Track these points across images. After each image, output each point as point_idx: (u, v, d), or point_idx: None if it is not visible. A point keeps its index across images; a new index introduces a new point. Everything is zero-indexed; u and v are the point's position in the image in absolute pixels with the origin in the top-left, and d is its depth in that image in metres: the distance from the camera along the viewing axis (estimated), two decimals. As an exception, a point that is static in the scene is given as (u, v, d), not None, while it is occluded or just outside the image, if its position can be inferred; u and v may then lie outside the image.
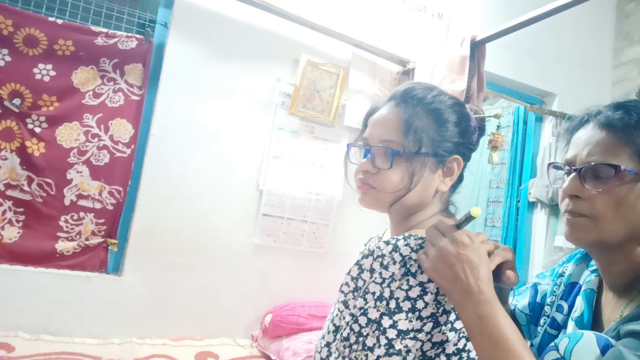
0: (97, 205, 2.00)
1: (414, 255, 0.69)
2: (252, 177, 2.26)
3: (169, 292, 2.08)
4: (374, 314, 0.67)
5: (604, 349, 0.65)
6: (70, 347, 1.77)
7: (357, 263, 0.73)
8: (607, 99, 3.22)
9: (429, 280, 0.67)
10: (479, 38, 1.96)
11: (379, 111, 0.86)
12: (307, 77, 2.31)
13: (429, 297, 0.67)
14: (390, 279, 0.68)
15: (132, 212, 2.05)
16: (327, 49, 2.40)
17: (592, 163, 0.73)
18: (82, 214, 1.98)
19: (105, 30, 1.99)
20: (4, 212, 1.87)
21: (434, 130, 0.80)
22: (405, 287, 0.67)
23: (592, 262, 0.87)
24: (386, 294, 0.67)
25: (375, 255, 0.71)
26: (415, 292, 0.67)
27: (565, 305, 0.87)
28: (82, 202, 1.98)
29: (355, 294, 0.71)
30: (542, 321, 0.93)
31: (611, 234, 0.72)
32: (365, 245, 1.05)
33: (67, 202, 1.95)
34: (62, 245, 1.95)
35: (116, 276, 2.01)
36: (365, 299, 0.69)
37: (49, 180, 1.92)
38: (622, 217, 0.71)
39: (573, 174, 0.75)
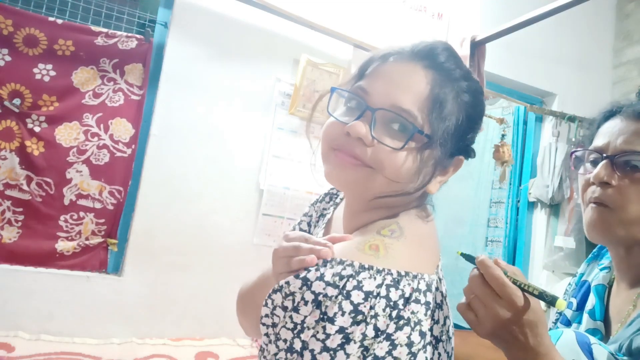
0: (97, 205, 2.00)
1: (330, 291, 0.53)
2: (252, 176, 2.25)
3: (169, 292, 2.08)
4: None
5: (583, 346, 0.66)
6: (70, 347, 1.77)
7: (270, 297, 0.57)
8: (607, 99, 3.22)
9: (353, 324, 0.52)
10: (479, 38, 1.96)
11: (392, 63, 0.62)
12: (307, 77, 2.30)
13: (352, 347, 0.52)
14: (301, 327, 0.53)
15: (132, 212, 2.04)
16: (327, 49, 2.40)
17: (628, 151, 0.71)
18: (82, 214, 1.98)
19: (105, 30, 1.99)
20: (3, 212, 1.87)
21: (458, 122, 0.62)
22: (321, 336, 0.52)
23: (602, 262, 0.88)
24: (297, 345, 0.53)
25: (284, 293, 0.55)
26: (335, 342, 0.51)
27: (575, 302, 0.88)
28: (81, 202, 1.98)
29: (275, 329, 0.57)
30: (553, 318, 0.95)
31: (635, 227, 0.71)
32: (298, 223, 0.91)
33: (66, 201, 1.95)
34: (62, 245, 1.95)
35: (116, 276, 2.01)
36: (277, 346, 0.55)
37: (48, 180, 1.92)
38: None
39: (605, 161, 0.73)
